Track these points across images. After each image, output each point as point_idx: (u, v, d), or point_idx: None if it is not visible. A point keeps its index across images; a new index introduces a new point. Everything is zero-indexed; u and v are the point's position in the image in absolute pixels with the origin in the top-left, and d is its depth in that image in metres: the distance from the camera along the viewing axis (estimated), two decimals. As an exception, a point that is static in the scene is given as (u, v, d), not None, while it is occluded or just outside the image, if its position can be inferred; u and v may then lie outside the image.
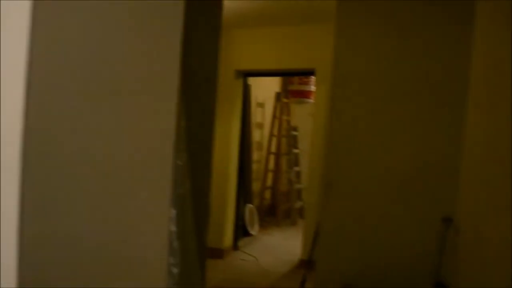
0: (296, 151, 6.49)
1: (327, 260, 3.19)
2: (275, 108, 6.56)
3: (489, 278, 2.02)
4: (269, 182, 6.80)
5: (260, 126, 6.58)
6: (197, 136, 1.66)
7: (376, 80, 3.03)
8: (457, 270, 2.65)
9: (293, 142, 6.44)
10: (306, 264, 3.74)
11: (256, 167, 6.35)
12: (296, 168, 6.46)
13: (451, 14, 2.85)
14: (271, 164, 6.76)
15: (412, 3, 2.92)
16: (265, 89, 6.56)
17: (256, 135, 6.31)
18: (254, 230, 5.78)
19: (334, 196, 3.12)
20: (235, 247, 5.14)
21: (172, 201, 1.21)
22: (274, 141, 6.66)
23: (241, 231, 5.37)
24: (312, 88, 6.03)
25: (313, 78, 5.58)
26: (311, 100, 6.02)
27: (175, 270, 1.32)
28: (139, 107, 1.09)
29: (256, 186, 6.38)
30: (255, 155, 6.29)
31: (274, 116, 6.56)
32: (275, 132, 6.62)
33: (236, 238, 5.19)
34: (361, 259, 3.09)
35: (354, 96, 3.08)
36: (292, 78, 6.82)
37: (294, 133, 6.49)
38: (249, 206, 5.74)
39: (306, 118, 6.40)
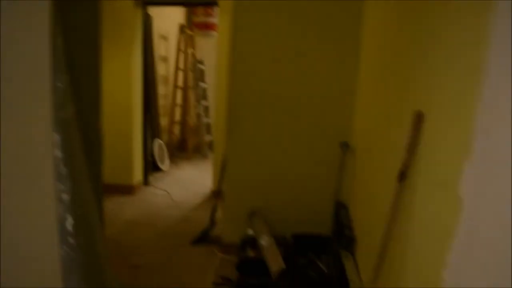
0: (203, 85, 6.42)
1: (235, 189, 3.31)
2: (179, 40, 6.35)
3: (376, 193, 2.24)
4: (177, 117, 6.72)
5: (165, 59, 6.37)
6: (80, 59, 1.57)
7: (278, 11, 3.02)
8: (352, 189, 2.91)
9: (199, 76, 6.35)
10: (217, 194, 3.84)
11: (163, 102, 6.22)
12: (204, 103, 6.43)
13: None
14: (179, 99, 6.65)
15: None
16: (168, 21, 6.29)
17: (161, 68, 6.11)
18: (164, 165, 5.78)
19: (239, 128, 3.18)
20: (145, 182, 5.12)
21: (55, 126, 1.16)
22: (180, 75, 6.51)
23: (151, 166, 5.34)
24: (216, 20, 5.90)
25: (217, 9, 5.44)
26: (216, 33, 5.90)
27: (65, 197, 1.30)
28: (7, 22, 1.00)
29: (164, 121, 6.28)
30: (162, 90, 6.13)
31: (178, 49, 6.36)
32: (181, 65, 6.46)
33: (146, 173, 5.15)
34: (267, 186, 3.25)
35: (256, 28, 3.05)
36: (196, 9, 6.60)
37: (201, 66, 6.38)
38: (158, 141, 5.68)
39: (211, 51, 6.31)
